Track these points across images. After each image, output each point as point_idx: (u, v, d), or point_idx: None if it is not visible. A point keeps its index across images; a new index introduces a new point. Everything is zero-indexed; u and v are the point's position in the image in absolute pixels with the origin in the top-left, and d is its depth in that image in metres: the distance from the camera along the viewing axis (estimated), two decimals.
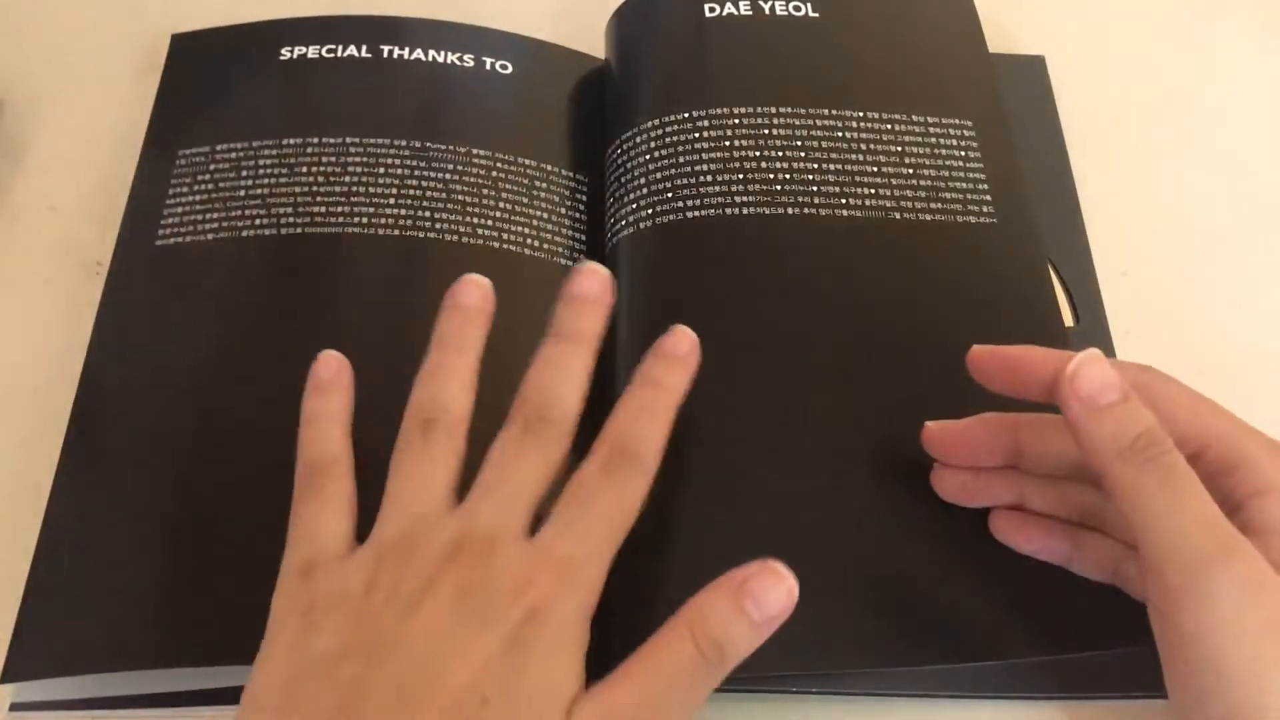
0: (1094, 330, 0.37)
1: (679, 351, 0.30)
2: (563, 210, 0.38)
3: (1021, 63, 0.44)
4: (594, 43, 0.43)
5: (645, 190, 0.37)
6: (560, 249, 0.37)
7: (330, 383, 0.32)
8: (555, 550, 0.27)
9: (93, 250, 0.39)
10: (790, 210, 0.37)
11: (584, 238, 0.38)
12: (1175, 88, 0.45)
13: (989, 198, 0.38)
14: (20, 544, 0.32)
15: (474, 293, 0.32)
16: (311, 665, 0.26)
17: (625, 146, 0.38)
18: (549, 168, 0.39)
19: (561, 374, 0.30)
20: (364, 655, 0.25)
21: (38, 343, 0.37)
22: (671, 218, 0.36)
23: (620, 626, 0.29)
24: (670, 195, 0.37)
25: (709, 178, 0.37)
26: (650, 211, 0.36)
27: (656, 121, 0.38)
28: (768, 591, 0.26)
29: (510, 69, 0.41)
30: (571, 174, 0.39)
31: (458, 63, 0.41)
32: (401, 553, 0.27)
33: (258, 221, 0.37)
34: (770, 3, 0.41)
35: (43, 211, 0.41)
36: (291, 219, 0.37)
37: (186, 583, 0.31)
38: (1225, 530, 0.25)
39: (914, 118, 0.39)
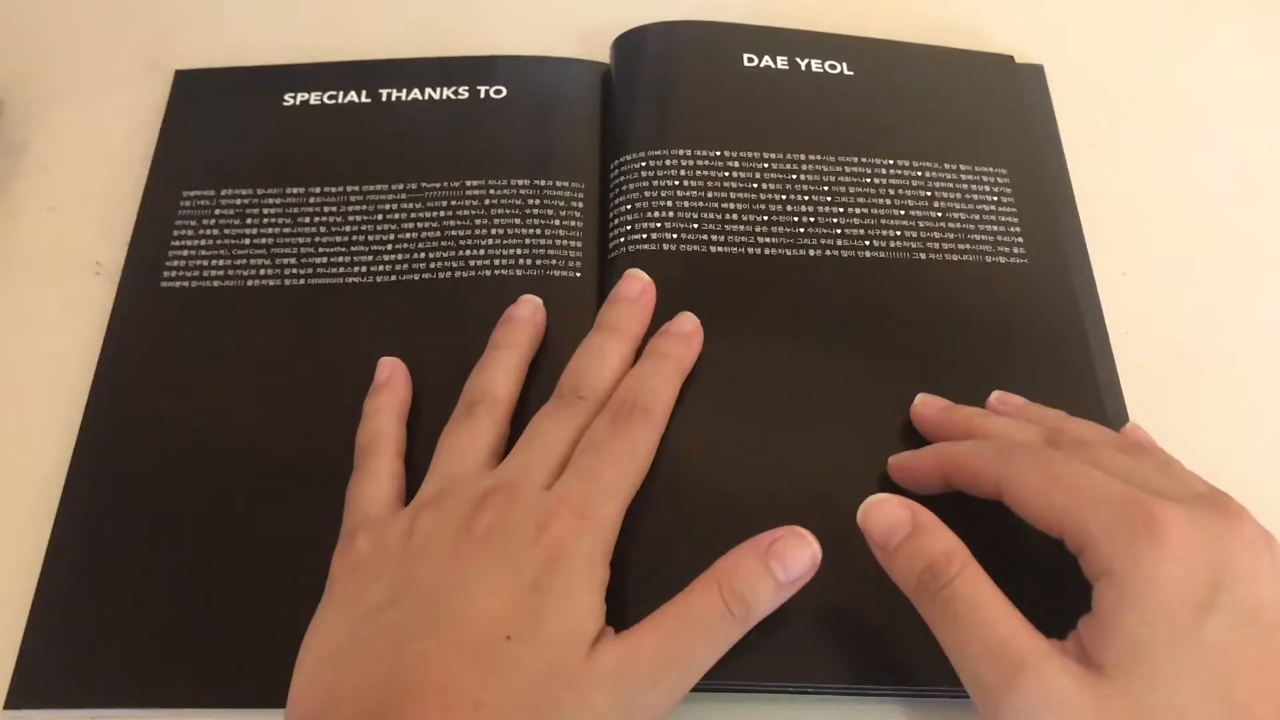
0: (1094, 330, 0.37)
1: (683, 330, 0.34)
2: (557, 222, 0.38)
3: (1021, 70, 0.44)
4: (603, 48, 0.43)
5: (671, 214, 0.38)
6: (554, 262, 0.37)
7: (383, 383, 0.34)
8: (571, 493, 0.29)
9: (93, 250, 0.39)
10: (813, 252, 0.37)
11: (579, 244, 0.38)
12: (1172, 89, 0.45)
13: (1020, 239, 0.38)
14: (24, 545, 0.33)
15: (526, 308, 0.35)
16: (362, 615, 0.28)
17: (651, 164, 0.39)
18: (542, 183, 0.39)
19: (597, 358, 0.33)
20: (405, 601, 0.27)
21: (38, 343, 0.37)
22: (695, 248, 0.37)
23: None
24: (696, 226, 0.37)
25: (735, 215, 0.38)
26: (675, 236, 0.37)
27: (687, 152, 0.39)
28: (794, 554, 0.28)
29: (505, 93, 0.42)
30: (567, 183, 0.39)
31: (453, 97, 0.42)
32: (436, 504, 0.30)
33: (263, 271, 0.37)
34: (807, 60, 0.42)
35: (42, 211, 0.40)
36: (295, 269, 0.37)
37: (190, 623, 0.31)
38: (1010, 653, 0.25)
39: (946, 165, 0.40)
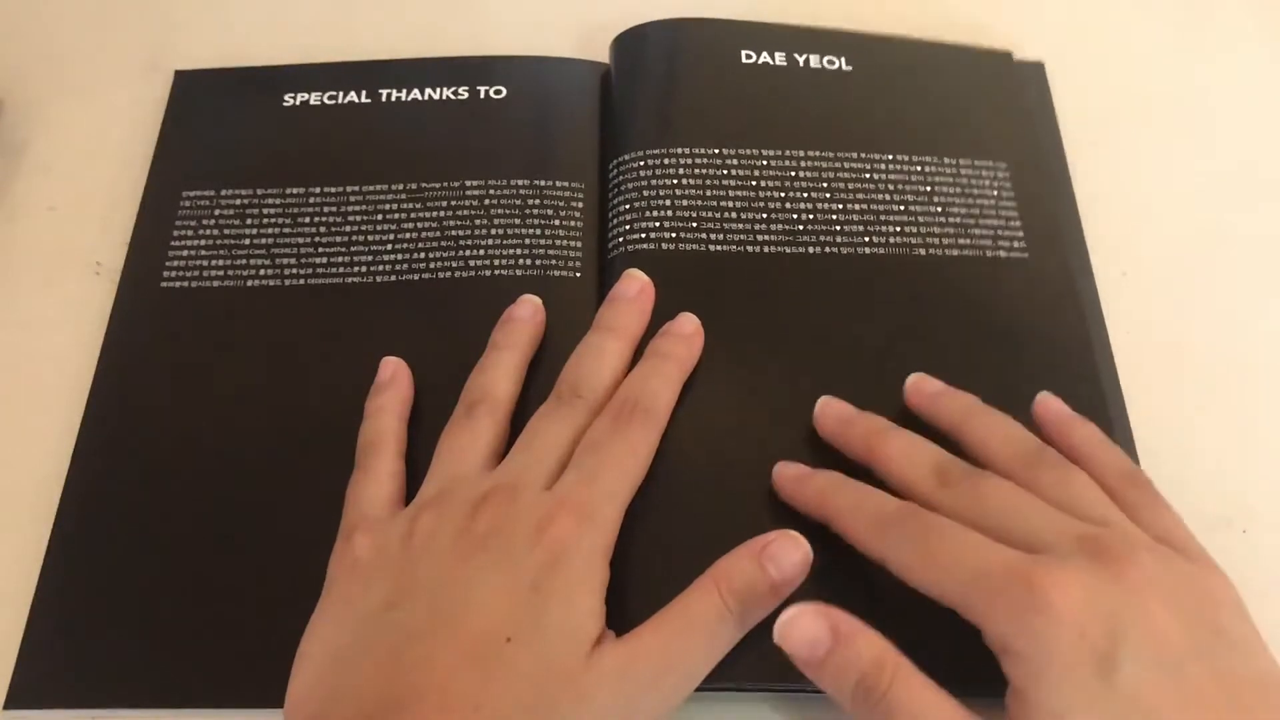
0: (1094, 330, 0.37)
1: (685, 331, 0.34)
2: (556, 223, 0.38)
3: (1021, 68, 0.44)
4: (603, 48, 0.43)
5: (670, 214, 0.37)
6: (554, 262, 0.37)
7: (386, 382, 0.34)
8: (571, 494, 0.29)
9: (93, 250, 0.39)
10: (812, 250, 0.37)
11: (579, 244, 0.38)
12: (1174, 88, 0.45)
13: (1020, 233, 0.38)
14: (24, 545, 0.33)
15: (526, 308, 0.35)
16: (363, 617, 0.28)
17: (649, 163, 0.39)
18: (542, 183, 0.39)
19: (596, 358, 0.33)
20: (405, 603, 0.27)
21: (37, 343, 0.37)
22: (694, 247, 0.37)
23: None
24: (695, 225, 0.37)
25: (734, 214, 0.38)
26: (674, 235, 0.37)
27: (686, 150, 0.39)
28: (787, 555, 0.29)
29: (504, 93, 0.42)
30: (567, 183, 0.39)
31: (452, 97, 0.42)
32: (436, 505, 0.29)
33: (262, 271, 0.38)
34: (805, 55, 0.42)
35: (43, 211, 0.40)
36: (295, 269, 0.38)
37: (190, 623, 0.31)
38: None
39: (945, 160, 0.39)
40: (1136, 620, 0.25)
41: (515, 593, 0.27)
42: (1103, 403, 0.35)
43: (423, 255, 0.38)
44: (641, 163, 0.39)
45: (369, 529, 0.30)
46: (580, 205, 0.39)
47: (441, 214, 0.38)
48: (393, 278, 0.37)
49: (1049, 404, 0.33)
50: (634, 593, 0.30)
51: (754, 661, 0.29)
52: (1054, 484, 0.29)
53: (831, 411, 0.33)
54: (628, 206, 0.38)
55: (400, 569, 0.28)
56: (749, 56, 0.42)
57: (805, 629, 0.27)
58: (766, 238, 0.37)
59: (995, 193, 0.39)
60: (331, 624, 0.28)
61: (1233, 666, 0.25)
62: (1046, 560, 0.26)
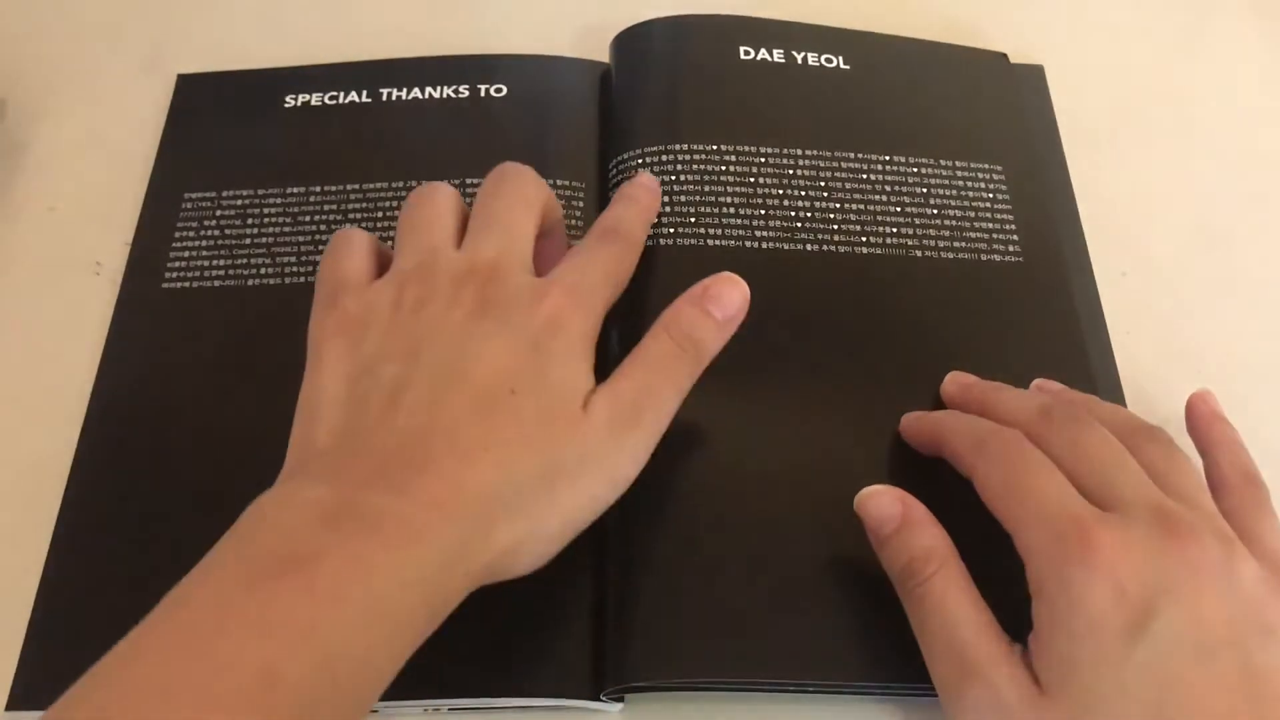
0: (1094, 330, 0.37)
1: (650, 185, 0.36)
2: None
3: (1021, 72, 0.44)
4: (603, 47, 0.43)
5: (669, 209, 0.37)
6: None
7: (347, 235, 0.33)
8: (564, 278, 0.30)
9: (93, 250, 0.39)
10: (809, 247, 0.37)
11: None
12: (1174, 88, 0.45)
13: (1016, 237, 0.38)
14: (24, 549, 0.33)
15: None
16: (359, 368, 0.28)
17: (648, 160, 0.39)
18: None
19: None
20: (402, 356, 0.28)
21: (37, 343, 0.37)
22: (692, 241, 0.37)
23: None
24: (694, 220, 0.37)
25: (731, 210, 0.38)
26: (671, 230, 0.37)
27: (684, 146, 0.39)
28: (726, 293, 0.30)
29: (505, 92, 0.42)
30: (567, 182, 0.39)
31: (453, 96, 0.42)
32: (421, 275, 0.30)
33: (263, 270, 0.38)
34: (803, 53, 0.42)
35: (42, 211, 0.40)
36: (295, 268, 0.38)
37: None
38: (967, 657, 0.26)
39: (942, 161, 0.40)
40: (1181, 598, 0.25)
41: (516, 351, 0.28)
42: None
43: None
44: (640, 161, 0.39)
45: (354, 292, 0.30)
46: (580, 204, 0.39)
47: None
48: None
49: (1206, 400, 0.33)
50: (635, 594, 0.30)
51: (759, 658, 0.29)
52: (1156, 458, 0.29)
53: (955, 380, 0.34)
54: None
55: (394, 330, 0.29)
56: (747, 53, 0.42)
57: (881, 505, 0.29)
58: (764, 234, 0.37)
59: (991, 196, 0.39)
60: (334, 377, 0.29)
61: (1269, 663, 0.24)
62: (1111, 519, 0.26)
